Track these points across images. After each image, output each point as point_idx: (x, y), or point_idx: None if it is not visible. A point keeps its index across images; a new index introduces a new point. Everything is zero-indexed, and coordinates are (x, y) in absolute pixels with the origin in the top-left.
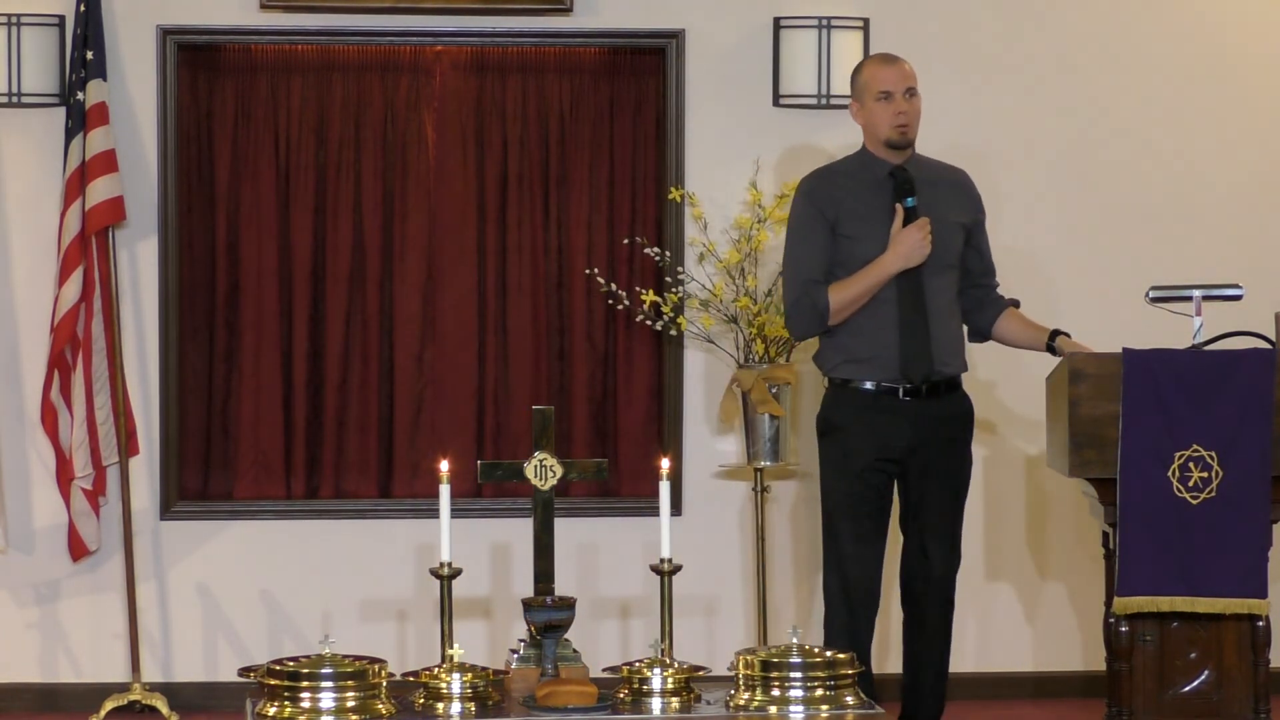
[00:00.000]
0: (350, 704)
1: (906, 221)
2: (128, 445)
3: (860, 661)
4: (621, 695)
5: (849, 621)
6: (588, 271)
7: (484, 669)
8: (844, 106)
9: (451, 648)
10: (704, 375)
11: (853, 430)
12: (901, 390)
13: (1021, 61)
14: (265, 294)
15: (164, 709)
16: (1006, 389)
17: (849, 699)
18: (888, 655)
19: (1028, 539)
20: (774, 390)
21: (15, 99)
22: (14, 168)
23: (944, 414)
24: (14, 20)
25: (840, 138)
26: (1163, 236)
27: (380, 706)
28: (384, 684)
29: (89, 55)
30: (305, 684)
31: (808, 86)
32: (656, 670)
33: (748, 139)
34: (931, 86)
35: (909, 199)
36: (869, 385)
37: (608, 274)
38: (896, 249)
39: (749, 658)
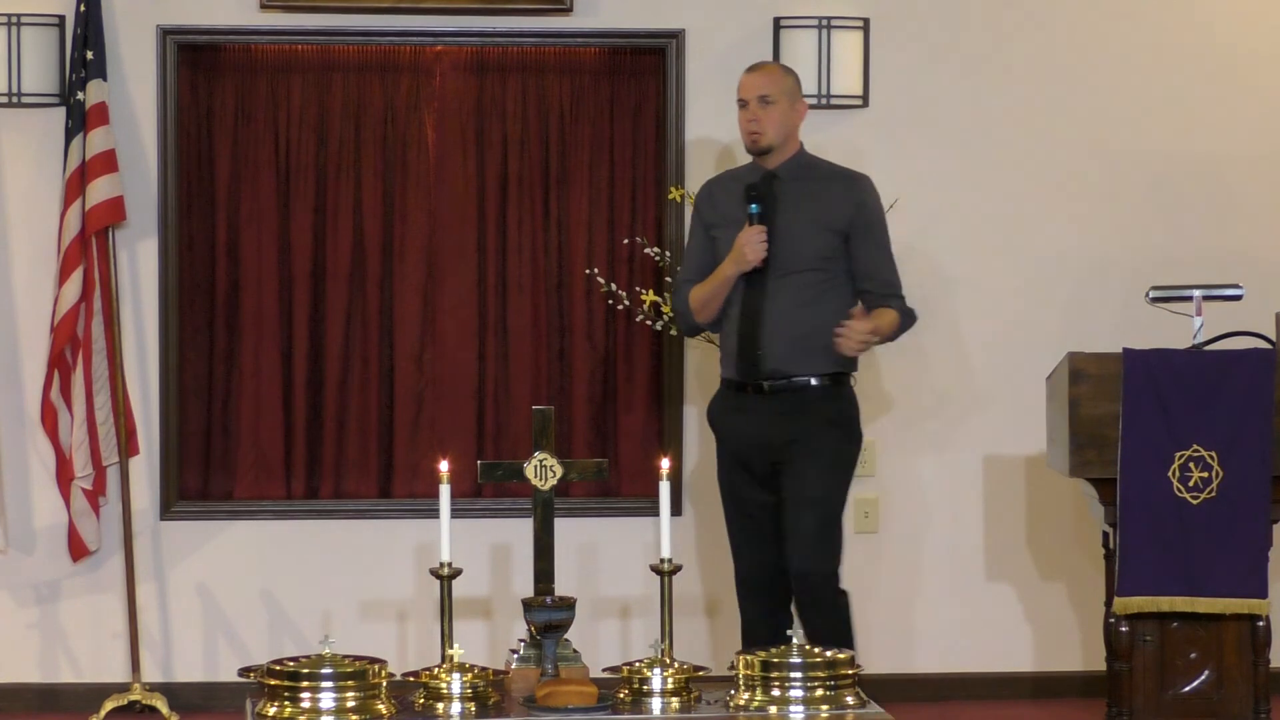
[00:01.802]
0: (350, 704)
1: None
2: (128, 445)
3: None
4: (621, 695)
5: (742, 614)
6: (588, 271)
7: (484, 669)
8: (844, 107)
9: (451, 648)
10: (704, 375)
11: (719, 426)
12: (750, 387)
13: (1022, 61)
14: (265, 294)
15: (164, 709)
16: (1006, 389)
17: (849, 699)
18: (888, 654)
19: (1028, 539)
20: None
21: (15, 99)
22: (14, 168)
23: (795, 411)
24: (14, 20)
25: (840, 137)
26: (1163, 236)
27: (380, 706)
28: (384, 684)
29: (89, 55)
30: (305, 684)
31: (808, 86)
32: (656, 670)
33: None
34: (931, 86)
35: (753, 205)
36: (728, 380)
37: (608, 274)
38: (731, 253)
39: (749, 658)
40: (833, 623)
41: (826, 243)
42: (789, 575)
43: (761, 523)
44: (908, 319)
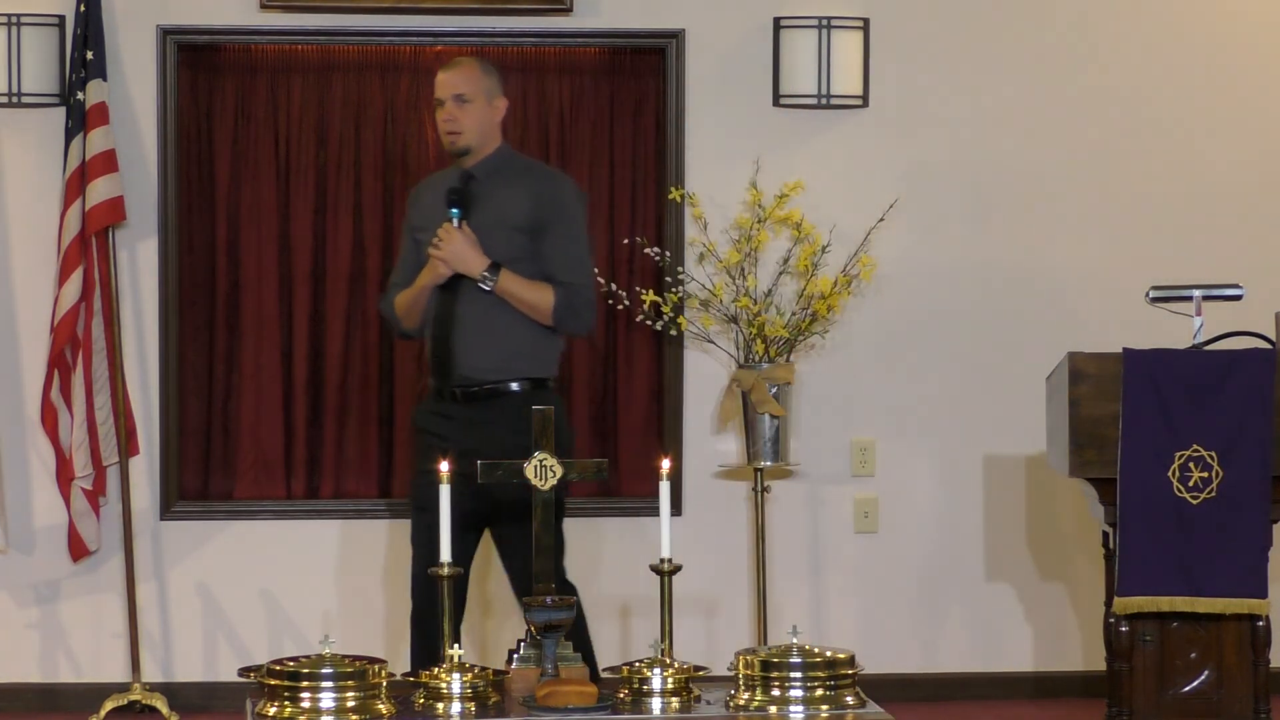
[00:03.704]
0: (350, 704)
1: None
2: (128, 445)
3: (422, 664)
4: (621, 695)
5: (414, 619)
6: None
7: (484, 669)
8: (844, 107)
9: (451, 648)
10: (704, 375)
11: (422, 432)
12: (448, 394)
13: (1022, 61)
14: (265, 294)
15: (164, 709)
16: (1006, 389)
17: (849, 699)
18: (889, 654)
19: (1028, 539)
20: (774, 390)
21: (15, 99)
22: (14, 168)
23: (491, 418)
24: (14, 20)
25: (840, 137)
26: (1163, 236)
27: (380, 706)
28: (384, 684)
29: (89, 55)
30: (305, 684)
31: (808, 86)
32: (656, 670)
33: (748, 139)
34: (931, 85)
35: (453, 210)
36: (431, 387)
37: (608, 274)
38: (429, 263)
39: (749, 658)
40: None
41: (513, 242)
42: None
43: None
44: (566, 311)
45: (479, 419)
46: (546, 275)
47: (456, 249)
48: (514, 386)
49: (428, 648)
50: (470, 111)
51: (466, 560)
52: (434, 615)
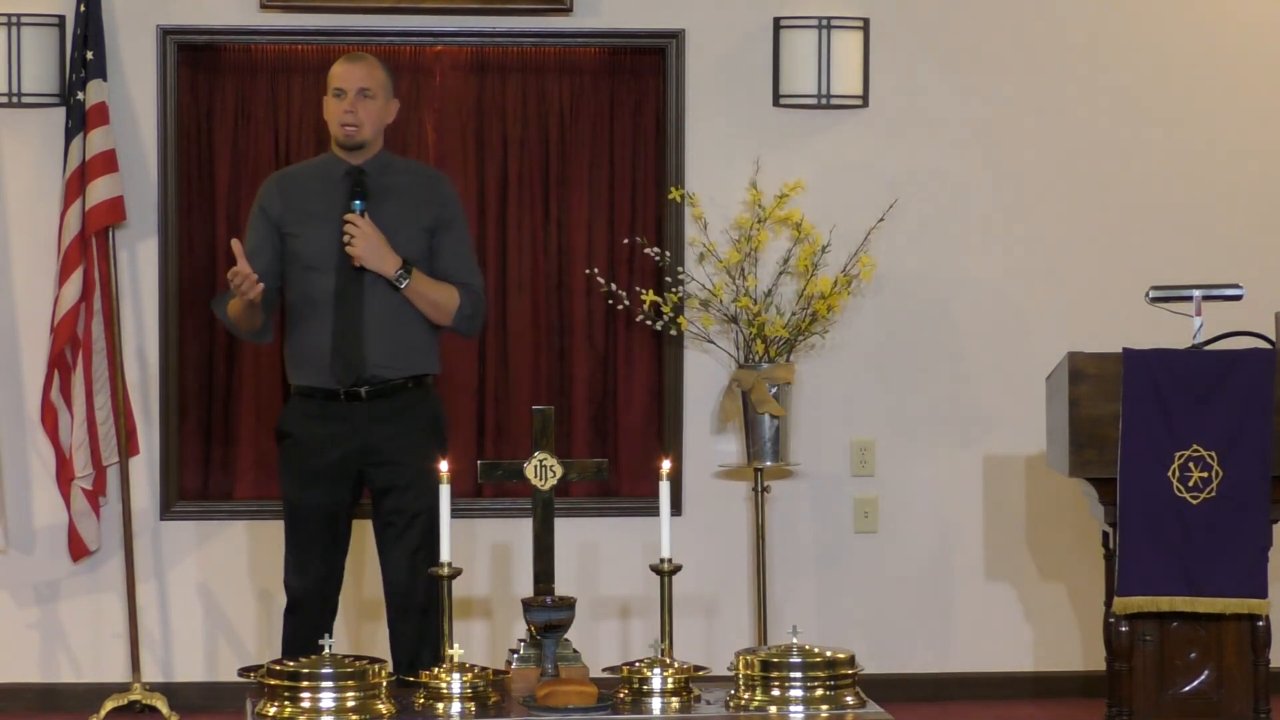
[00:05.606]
0: (350, 704)
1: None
2: (128, 445)
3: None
4: (621, 695)
5: (297, 629)
6: (588, 271)
7: (484, 669)
8: (844, 107)
9: (451, 648)
10: (704, 375)
11: (298, 436)
12: (343, 394)
13: (1022, 61)
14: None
15: (164, 709)
16: (1006, 389)
17: (849, 699)
18: (889, 654)
19: (1028, 539)
20: (774, 390)
21: (15, 99)
22: (14, 168)
23: (389, 416)
24: (14, 20)
25: (840, 137)
26: (1163, 236)
27: (380, 706)
28: (384, 684)
29: (89, 55)
30: (305, 684)
31: (808, 86)
32: (656, 670)
33: (748, 139)
34: (931, 86)
35: (356, 202)
36: (311, 388)
37: (608, 274)
38: (240, 286)
39: (749, 658)
40: (427, 629)
41: (418, 242)
42: (386, 586)
43: (334, 537)
44: (467, 310)
45: (376, 418)
46: (442, 275)
47: (372, 244)
48: (411, 383)
49: (299, 634)
50: (371, 107)
51: (341, 554)
52: (308, 606)
